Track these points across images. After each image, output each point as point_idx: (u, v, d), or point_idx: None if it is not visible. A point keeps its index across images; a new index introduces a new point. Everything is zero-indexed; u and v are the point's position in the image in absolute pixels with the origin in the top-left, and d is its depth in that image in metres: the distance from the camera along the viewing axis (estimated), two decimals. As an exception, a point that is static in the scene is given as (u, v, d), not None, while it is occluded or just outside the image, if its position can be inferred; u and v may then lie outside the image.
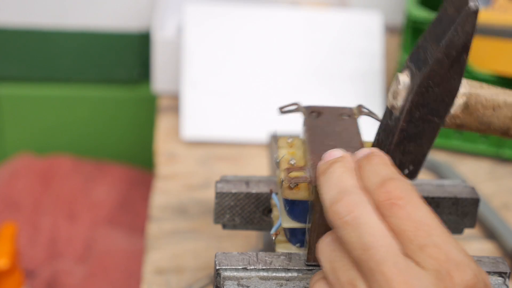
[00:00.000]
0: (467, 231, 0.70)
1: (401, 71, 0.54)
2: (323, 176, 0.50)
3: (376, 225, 0.46)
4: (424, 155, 0.55)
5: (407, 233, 0.46)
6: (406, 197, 0.47)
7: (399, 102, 0.53)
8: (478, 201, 0.64)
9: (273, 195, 0.62)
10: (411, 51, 0.54)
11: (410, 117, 0.53)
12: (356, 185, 0.48)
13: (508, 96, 0.55)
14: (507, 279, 0.55)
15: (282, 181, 0.55)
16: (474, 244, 0.90)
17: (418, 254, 0.45)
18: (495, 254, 0.89)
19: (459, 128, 0.55)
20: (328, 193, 0.48)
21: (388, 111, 0.55)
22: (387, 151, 0.54)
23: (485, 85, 0.55)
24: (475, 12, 0.49)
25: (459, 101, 0.53)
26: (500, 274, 0.54)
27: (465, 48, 0.51)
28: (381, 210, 0.47)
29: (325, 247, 0.49)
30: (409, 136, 0.54)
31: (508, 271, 0.54)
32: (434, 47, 0.51)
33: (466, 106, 0.54)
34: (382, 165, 0.49)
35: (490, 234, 0.91)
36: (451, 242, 0.46)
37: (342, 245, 0.47)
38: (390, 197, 0.47)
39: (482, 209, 0.93)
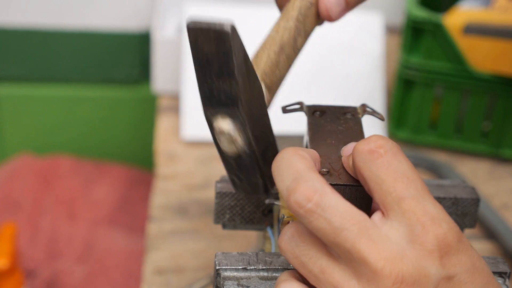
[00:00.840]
0: (467, 231, 0.70)
1: (211, 126, 0.52)
2: (273, 165, 0.48)
3: (342, 205, 0.45)
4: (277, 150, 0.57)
5: (386, 183, 0.46)
6: (386, 146, 0.47)
7: (240, 143, 0.52)
8: (478, 201, 0.64)
9: (268, 229, 0.62)
10: (203, 102, 0.51)
11: (258, 142, 0.53)
12: (308, 167, 0.47)
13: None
14: (507, 279, 0.54)
15: (283, 217, 0.55)
16: (474, 244, 0.90)
17: (394, 207, 0.45)
18: (495, 254, 0.89)
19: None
20: (283, 183, 0.46)
21: (234, 159, 0.53)
22: (262, 178, 0.55)
23: (265, 58, 0.57)
24: (232, 34, 0.47)
25: (264, 90, 0.55)
26: (500, 274, 0.54)
27: (246, 58, 0.50)
28: (361, 159, 0.47)
29: (287, 245, 0.47)
30: (265, 152, 0.54)
31: (508, 271, 0.54)
32: (226, 81, 0.49)
33: (269, 88, 0.56)
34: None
35: (490, 234, 0.91)
36: (428, 197, 0.46)
37: (307, 235, 0.46)
38: (371, 147, 0.47)
39: (482, 209, 0.93)
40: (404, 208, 0.45)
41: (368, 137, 0.48)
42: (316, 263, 0.46)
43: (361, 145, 0.47)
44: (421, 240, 0.45)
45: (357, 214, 0.45)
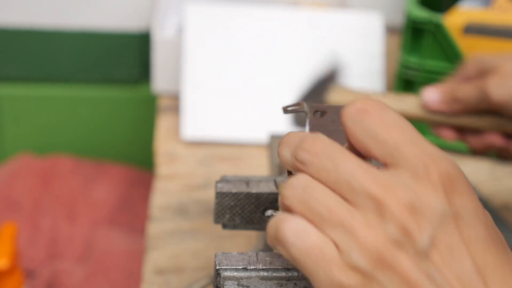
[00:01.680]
0: (467, 231, 0.70)
1: None
2: (280, 144, 0.50)
3: (348, 153, 0.46)
4: None
5: (381, 135, 0.46)
6: (373, 103, 0.47)
7: None
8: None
9: None
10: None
11: None
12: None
13: None
14: (507, 279, 0.54)
15: None
16: (474, 244, 0.90)
17: (394, 154, 0.46)
18: (495, 254, 0.89)
19: None
20: (290, 147, 0.48)
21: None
22: None
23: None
24: None
25: None
26: (500, 274, 0.54)
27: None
28: (351, 120, 0.47)
29: (294, 191, 0.47)
30: None
31: (508, 271, 0.54)
32: None
33: None
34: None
35: (490, 234, 0.91)
36: (424, 140, 0.47)
37: (315, 182, 0.47)
38: (358, 106, 0.47)
39: (482, 209, 0.93)
40: (404, 152, 0.46)
41: (353, 102, 0.48)
42: (323, 202, 0.46)
43: (348, 109, 0.48)
44: (426, 178, 0.45)
45: (359, 161, 0.46)
